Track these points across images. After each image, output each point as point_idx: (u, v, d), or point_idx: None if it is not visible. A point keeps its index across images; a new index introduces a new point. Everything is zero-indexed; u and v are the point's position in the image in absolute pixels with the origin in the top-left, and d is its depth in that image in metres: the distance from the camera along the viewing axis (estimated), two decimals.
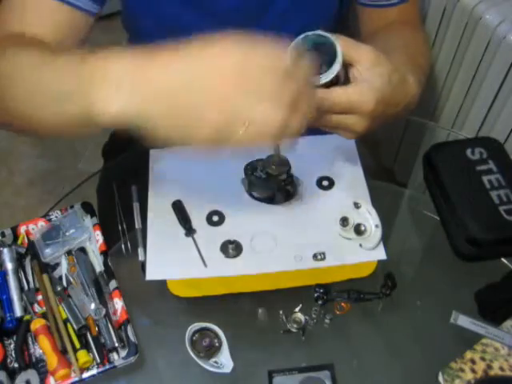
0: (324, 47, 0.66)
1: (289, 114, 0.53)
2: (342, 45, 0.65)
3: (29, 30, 0.72)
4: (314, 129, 0.88)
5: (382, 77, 0.66)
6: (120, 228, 0.87)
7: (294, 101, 0.53)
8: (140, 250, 0.81)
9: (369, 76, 0.65)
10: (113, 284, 0.77)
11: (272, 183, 0.78)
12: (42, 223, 0.84)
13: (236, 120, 0.52)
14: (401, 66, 0.72)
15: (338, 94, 0.64)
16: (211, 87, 0.51)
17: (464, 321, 0.73)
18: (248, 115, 0.52)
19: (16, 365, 0.72)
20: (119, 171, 0.99)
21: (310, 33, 0.66)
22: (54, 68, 0.57)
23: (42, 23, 0.74)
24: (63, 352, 0.72)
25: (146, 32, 0.95)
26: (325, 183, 0.82)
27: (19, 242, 0.83)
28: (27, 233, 0.84)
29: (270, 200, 0.80)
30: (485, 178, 0.81)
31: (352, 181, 0.82)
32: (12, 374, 0.71)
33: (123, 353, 0.72)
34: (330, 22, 0.96)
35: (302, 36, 0.66)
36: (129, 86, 0.52)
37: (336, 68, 0.65)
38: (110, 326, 0.74)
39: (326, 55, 0.66)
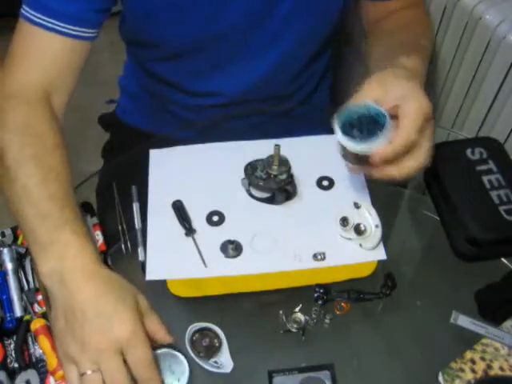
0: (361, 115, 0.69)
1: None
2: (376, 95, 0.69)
3: (33, 77, 0.79)
4: (314, 129, 0.89)
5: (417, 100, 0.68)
6: (120, 228, 0.87)
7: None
8: (140, 250, 0.81)
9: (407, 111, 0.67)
10: None
11: (272, 183, 0.78)
12: None
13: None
14: (412, 65, 0.77)
15: (401, 139, 0.66)
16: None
17: (464, 321, 0.73)
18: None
19: (16, 365, 0.72)
20: (119, 171, 0.99)
21: (351, 107, 0.69)
22: (30, 215, 0.68)
23: (45, 65, 0.80)
24: None
25: (146, 45, 0.96)
26: (325, 183, 0.82)
27: (19, 242, 0.83)
28: None
29: (270, 200, 0.80)
30: (485, 178, 0.81)
31: (352, 181, 0.82)
32: (12, 374, 0.71)
33: None
34: (333, 24, 0.97)
35: (343, 111, 0.69)
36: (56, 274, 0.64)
37: (386, 134, 0.67)
38: None
39: (360, 121, 0.68)
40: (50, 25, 0.79)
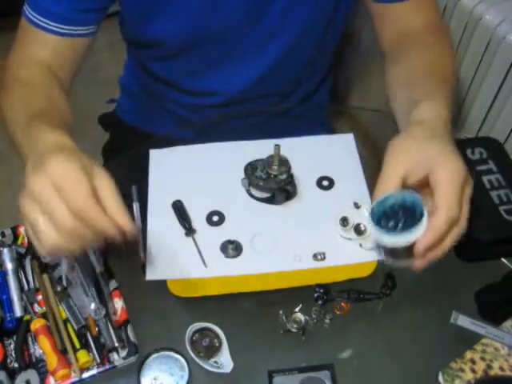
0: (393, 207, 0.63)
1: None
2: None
3: (36, 62, 0.83)
4: (314, 129, 0.89)
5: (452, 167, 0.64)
6: None
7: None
8: (140, 250, 0.81)
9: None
10: (113, 284, 0.78)
11: (272, 183, 0.78)
12: None
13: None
14: (438, 111, 0.70)
15: (442, 220, 0.61)
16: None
17: (464, 321, 0.73)
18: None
19: (16, 365, 0.73)
20: (119, 171, 0.99)
21: (378, 201, 0.64)
22: (20, 132, 0.76)
23: (45, 54, 0.84)
24: (63, 352, 0.72)
25: (144, 44, 0.96)
26: (325, 183, 0.82)
27: (19, 242, 0.83)
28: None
29: (270, 200, 0.80)
30: (485, 178, 0.81)
31: (352, 181, 0.82)
32: (12, 374, 0.71)
33: (123, 353, 0.72)
34: (330, 17, 0.96)
35: (376, 203, 0.64)
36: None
37: (419, 232, 0.61)
38: (109, 326, 0.75)
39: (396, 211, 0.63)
40: (41, 23, 0.82)
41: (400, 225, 0.62)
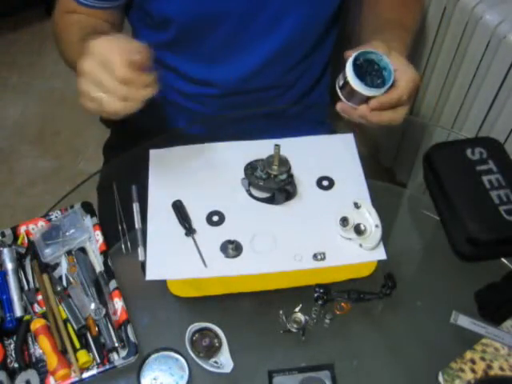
0: (369, 63, 0.77)
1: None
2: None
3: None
4: (314, 129, 0.89)
5: (409, 70, 0.78)
6: (120, 228, 0.87)
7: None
8: (140, 250, 0.81)
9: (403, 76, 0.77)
10: (113, 284, 0.78)
11: (272, 183, 0.78)
12: (42, 223, 0.84)
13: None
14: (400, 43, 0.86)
15: (394, 95, 0.76)
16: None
17: (464, 321, 0.73)
18: None
19: (16, 365, 0.73)
20: (120, 171, 0.99)
21: (363, 50, 0.76)
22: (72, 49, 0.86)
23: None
24: (63, 352, 0.72)
25: (151, 26, 0.97)
26: (325, 183, 0.82)
27: (19, 241, 0.83)
28: (27, 233, 0.84)
29: (270, 200, 0.80)
30: (485, 178, 0.81)
31: (352, 181, 0.82)
32: (12, 374, 0.71)
33: (123, 353, 0.72)
34: (331, 5, 0.96)
35: (356, 53, 0.76)
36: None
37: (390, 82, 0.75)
38: (109, 326, 0.75)
39: (370, 69, 0.76)
40: None
41: (369, 79, 0.76)
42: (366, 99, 0.75)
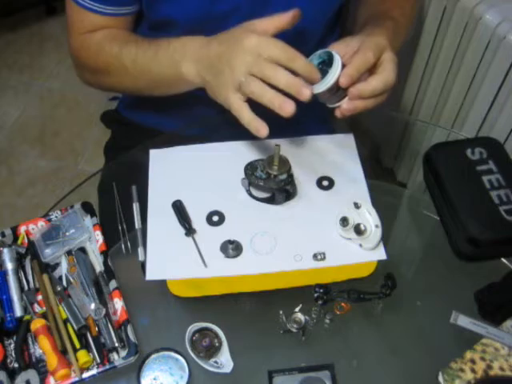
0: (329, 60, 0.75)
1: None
2: (339, 50, 0.76)
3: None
4: (313, 129, 0.88)
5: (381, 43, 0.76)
6: (120, 228, 0.87)
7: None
8: (140, 250, 0.81)
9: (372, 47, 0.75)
10: (113, 284, 0.78)
11: (272, 183, 0.78)
12: (42, 223, 0.84)
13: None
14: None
15: (358, 58, 0.74)
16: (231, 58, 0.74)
17: (464, 321, 0.73)
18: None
19: (16, 365, 0.73)
20: (120, 171, 0.99)
21: (318, 51, 0.76)
22: (149, 59, 0.85)
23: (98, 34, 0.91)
24: (63, 352, 0.72)
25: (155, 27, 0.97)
26: (325, 183, 0.82)
27: (19, 241, 0.83)
28: (27, 233, 0.84)
29: (270, 200, 0.80)
30: (485, 178, 0.81)
31: (352, 181, 0.82)
32: (12, 374, 0.71)
33: (123, 353, 0.72)
34: (334, 5, 0.96)
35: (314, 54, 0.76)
36: (194, 58, 0.80)
37: (335, 72, 0.73)
38: (109, 325, 0.74)
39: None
40: (92, 7, 0.88)
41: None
42: (339, 89, 0.74)
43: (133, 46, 0.87)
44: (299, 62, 0.71)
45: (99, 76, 0.94)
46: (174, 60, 0.81)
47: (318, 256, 0.74)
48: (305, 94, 0.69)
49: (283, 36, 0.94)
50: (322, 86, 0.73)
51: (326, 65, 0.74)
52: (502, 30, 1.06)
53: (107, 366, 0.71)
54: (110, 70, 0.90)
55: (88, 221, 0.84)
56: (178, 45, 0.82)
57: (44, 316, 0.75)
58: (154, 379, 0.70)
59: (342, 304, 0.77)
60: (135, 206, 0.86)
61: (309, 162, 0.84)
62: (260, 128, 0.72)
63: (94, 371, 0.71)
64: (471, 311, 0.75)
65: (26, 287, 0.79)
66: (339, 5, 0.98)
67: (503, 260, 0.81)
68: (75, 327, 0.74)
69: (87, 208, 0.86)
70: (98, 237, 0.82)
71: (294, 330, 0.74)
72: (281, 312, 0.75)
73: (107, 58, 0.89)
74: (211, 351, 0.72)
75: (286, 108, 0.70)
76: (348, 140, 0.88)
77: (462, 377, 0.69)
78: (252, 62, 0.71)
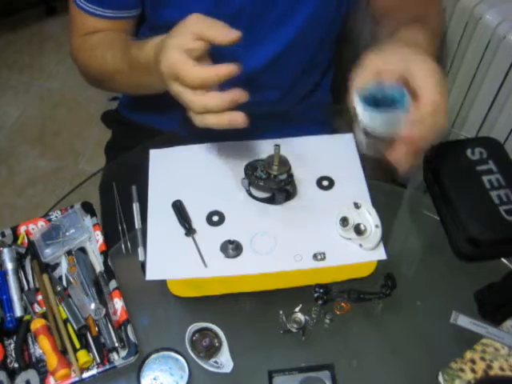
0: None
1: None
2: (373, 65, 0.67)
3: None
4: (314, 129, 0.88)
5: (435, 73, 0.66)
6: (120, 228, 0.87)
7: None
8: (140, 250, 0.81)
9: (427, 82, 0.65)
10: (113, 284, 0.78)
11: (272, 183, 0.78)
12: (42, 223, 0.84)
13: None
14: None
15: (427, 99, 0.65)
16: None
17: (464, 321, 0.73)
18: None
19: (16, 365, 0.73)
20: (121, 171, 0.99)
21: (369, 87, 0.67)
22: (130, 71, 0.83)
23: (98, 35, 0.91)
24: (63, 352, 0.72)
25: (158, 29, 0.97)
26: (325, 183, 0.82)
27: (19, 241, 0.83)
28: (27, 233, 0.84)
29: (270, 200, 0.80)
30: (485, 178, 0.81)
31: (352, 181, 0.82)
32: (12, 374, 0.71)
33: (123, 353, 0.72)
34: (332, 12, 0.96)
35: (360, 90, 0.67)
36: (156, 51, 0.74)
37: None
38: (109, 326, 0.75)
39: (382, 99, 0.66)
40: (90, 9, 0.89)
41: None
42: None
43: (120, 50, 0.85)
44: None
45: (95, 77, 0.95)
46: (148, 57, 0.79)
47: (318, 256, 0.74)
48: (232, 68, 0.66)
49: (284, 41, 0.94)
50: (383, 127, 0.65)
51: (374, 99, 0.66)
52: (502, 30, 1.06)
53: (107, 366, 0.71)
54: (102, 73, 0.90)
55: (88, 221, 0.84)
56: (153, 43, 0.78)
57: (44, 316, 0.75)
58: (154, 379, 0.70)
59: (342, 304, 0.77)
60: (135, 206, 0.86)
61: (309, 162, 0.84)
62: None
63: (94, 371, 0.71)
64: (471, 311, 0.75)
65: (26, 287, 0.79)
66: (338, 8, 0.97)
67: (503, 260, 0.81)
68: (75, 327, 0.74)
69: (87, 208, 0.86)
70: (98, 237, 0.82)
71: (294, 330, 0.74)
72: (281, 312, 0.75)
73: (98, 60, 0.89)
74: (211, 351, 0.72)
75: (237, 120, 0.67)
76: (348, 140, 0.88)
77: (461, 377, 0.69)
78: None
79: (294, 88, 1.06)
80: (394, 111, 0.64)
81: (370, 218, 0.75)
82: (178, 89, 0.68)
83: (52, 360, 0.71)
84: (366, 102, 0.65)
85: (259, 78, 0.99)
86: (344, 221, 0.75)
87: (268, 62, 0.97)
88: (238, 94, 0.66)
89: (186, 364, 0.71)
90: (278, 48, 0.96)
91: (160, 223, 0.78)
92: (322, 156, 0.86)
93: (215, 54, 0.97)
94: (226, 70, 0.65)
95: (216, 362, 0.71)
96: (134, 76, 0.83)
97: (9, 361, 0.73)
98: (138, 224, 0.85)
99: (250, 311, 0.78)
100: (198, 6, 0.87)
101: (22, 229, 0.84)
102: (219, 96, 0.66)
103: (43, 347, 0.72)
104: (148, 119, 1.14)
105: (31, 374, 0.72)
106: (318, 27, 0.97)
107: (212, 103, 0.66)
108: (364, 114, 0.66)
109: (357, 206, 0.77)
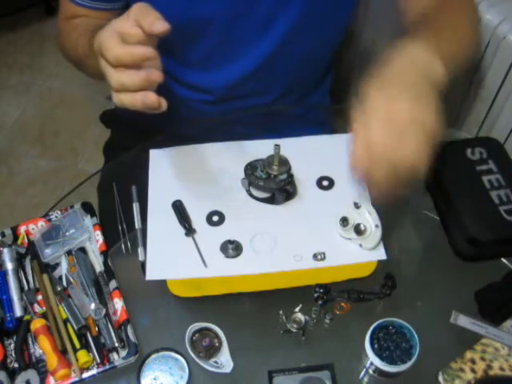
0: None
1: None
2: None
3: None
4: (314, 129, 0.88)
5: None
6: (120, 228, 0.87)
7: None
8: (140, 250, 0.81)
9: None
10: (113, 284, 0.78)
11: (272, 183, 0.78)
12: (42, 223, 0.84)
13: None
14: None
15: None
16: None
17: (464, 321, 0.73)
18: None
19: (16, 365, 0.73)
20: (120, 171, 0.99)
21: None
22: (92, 55, 0.77)
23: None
24: (63, 352, 0.72)
25: None
26: (325, 183, 0.82)
27: (19, 241, 0.83)
28: (27, 233, 0.84)
29: (270, 200, 0.80)
30: (485, 178, 0.81)
31: (352, 181, 0.82)
32: (12, 374, 0.72)
33: (123, 353, 0.72)
34: (326, 9, 0.95)
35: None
36: None
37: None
38: (109, 326, 0.75)
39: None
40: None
41: (395, 356, 0.70)
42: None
43: (91, 34, 0.84)
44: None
45: (71, 60, 0.95)
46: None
47: (318, 256, 0.74)
48: (147, 51, 0.66)
49: (269, 46, 0.93)
50: (388, 368, 0.69)
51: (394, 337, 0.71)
52: (502, 30, 1.06)
53: (107, 366, 0.71)
54: (75, 56, 0.91)
55: (88, 221, 0.84)
56: None
57: (44, 316, 0.75)
58: (154, 379, 0.70)
59: (342, 304, 0.77)
60: (135, 206, 0.86)
61: (309, 162, 0.84)
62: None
63: (94, 371, 0.71)
64: (471, 311, 0.75)
65: (26, 287, 0.79)
66: (327, 13, 0.95)
67: (503, 260, 0.81)
68: (75, 327, 0.74)
69: (87, 208, 0.86)
70: (98, 237, 0.82)
71: (294, 330, 0.74)
72: (281, 312, 0.75)
73: (72, 44, 0.90)
74: (211, 351, 0.72)
75: (150, 100, 0.68)
76: (348, 140, 0.87)
77: (462, 377, 0.69)
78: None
79: (288, 91, 1.05)
80: (404, 365, 0.68)
81: (369, 218, 0.75)
82: (102, 64, 0.69)
83: (52, 360, 0.71)
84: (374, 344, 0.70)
85: (247, 85, 0.99)
86: (344, 221, 0.75)
87: (254, 68, 0.96)
88: (153, 74, 0.67)
89: (186, 364, 0.71)
90: (262, 55, 0.94)
91: (160, 223, 0.78)
92: (321, 156, 0.86)
93: (196, 62, 0.97)
94: (140, 51, 0.66)
95: (216, 362, 0.71)
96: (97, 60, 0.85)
97: (9, 361, 0.73)
98: (138, 224, 0.85)
99: (250, 311, 0.78)
100: (171, 5, 0.86)
101: (22, 229, 0.84)
102: (135, 73, 0.67)
103: (43, 347, 0.72)
104: (147, 119, 1.14)
105: (31, 374, 0.72)
106: (311, 25, 0.95)
107: (127, 80, 0.67)
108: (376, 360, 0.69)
109: (357, 205, 0.77)
